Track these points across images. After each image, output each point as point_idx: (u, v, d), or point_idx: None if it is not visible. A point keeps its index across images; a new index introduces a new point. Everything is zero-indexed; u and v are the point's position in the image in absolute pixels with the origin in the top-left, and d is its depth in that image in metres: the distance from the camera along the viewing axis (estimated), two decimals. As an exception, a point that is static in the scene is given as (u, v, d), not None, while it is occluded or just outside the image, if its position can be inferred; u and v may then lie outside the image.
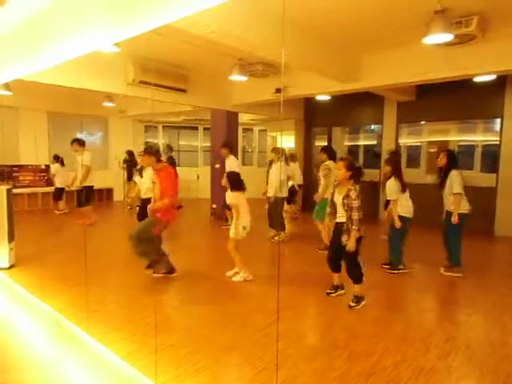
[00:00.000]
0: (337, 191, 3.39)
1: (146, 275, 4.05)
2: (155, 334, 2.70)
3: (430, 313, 3.46)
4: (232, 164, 6.43)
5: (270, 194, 5.65)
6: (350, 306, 3.30)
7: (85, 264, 3.73)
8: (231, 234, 4.00)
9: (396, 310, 3.35)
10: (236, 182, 4.00)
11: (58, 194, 7.86)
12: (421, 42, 3.75)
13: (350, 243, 3.21)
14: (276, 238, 5.82)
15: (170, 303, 3.42)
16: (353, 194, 3.20)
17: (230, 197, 4.00)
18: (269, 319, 3.01)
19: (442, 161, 4.16)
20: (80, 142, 6.66)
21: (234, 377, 2.35)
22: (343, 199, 3.25)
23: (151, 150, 3.99)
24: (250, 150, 11.99)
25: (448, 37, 3.61)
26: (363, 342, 2.70)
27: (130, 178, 8.27)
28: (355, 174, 3.29)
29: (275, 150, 5.88)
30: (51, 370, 2.40)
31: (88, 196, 6.80)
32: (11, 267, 4.27)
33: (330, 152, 5.28)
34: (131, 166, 8.21)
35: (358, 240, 3.23)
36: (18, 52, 3.40)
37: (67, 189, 7.69)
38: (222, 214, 7.67)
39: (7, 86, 6.07)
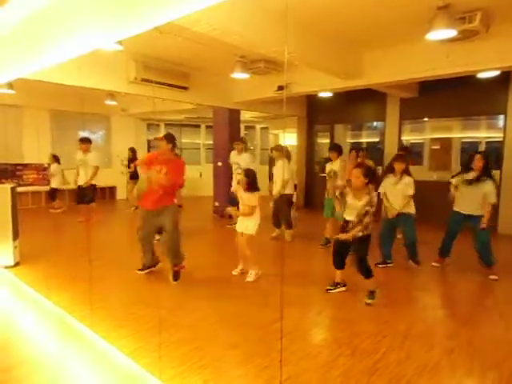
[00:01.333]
0: (353, 196, 3.31)
1: (149, 272, 4.06)
2: (159, 331, 2.71)
3: (433, 310, 3.46)
4: (249, 159, 6.44)
5: (275, 192, 5.62)
6: (367, 304, 3.32)
7: (89, 261, 3.75)
8: (250, 230, 3.90)
9: (399, 307, 3.35)
10: (255, 182, 3.87)
11: (54, 193, 7.84)
12: (423, 39, 3.73)
13: (347, 235, 3.27)
14: (274, 235, 5.79)
15: (173, 300, 3.44)
16: (374, 202, 3.20)
17: (251, 198, 3.86)
18: (272, 316, 3.02)
19: (478, 163, 3.97)
20: (90, 141, 6.82)
21: (238, 373, 2.36)
22: (365, 206, 3.20)
23: (171, 137, 3.91)
24: (252, 148, 11.98)
25: (451, 33, 3.59)
26: (366, 340, 2.70)
27: (132, 176, 8.30)
28: (372, 179, 3.24)
29: (277, 147, 5.86)
30: (56, 367, 2.42)
31: (94, 194, 6.84)
32: (16, 265, 4.30)
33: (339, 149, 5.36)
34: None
35: (367, 238, 3.28)
36: (20, 51, 3.41)
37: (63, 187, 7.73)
38: (224, 211, 7.69)
39: (10, 85, 6.08)
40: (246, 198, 3.87)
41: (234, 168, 6.56)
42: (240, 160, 6.46)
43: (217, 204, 7.95)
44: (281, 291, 3.49)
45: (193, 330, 2.84)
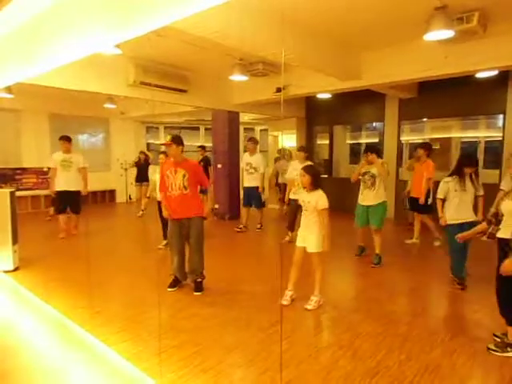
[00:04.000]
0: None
1: (149, 276, 4.05)
2: (159, 335, 2.70)
3: (434, 310, 3.45)
4: (261, 160, 6.37)
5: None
6: None
7: (88, 265, 3.74)
8: (317, 247, 3.24)
9: (399, 309, 3.34)
10: (319, 177, 3.35)
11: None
12: (422, 39, 3.73)
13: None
14: (287, 239, 5.57)
15: (173, 304, 3.43)
16: None
17: (321, 198, 3.24)
18: (272, 319, 3.01)
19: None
20: (71, 140, 5.95)
21: (238, 377, 2.35)
22: None
23: (179, 138, 3.57)
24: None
25: (449, 33, 3.60)
26: (367, 341, 2.69)
27: (141, 179, 8.24)
28: None
29: (302, 148, 5.64)
30: (55, 372, 2.41)
31: (80, 201, 5.96)
32: (15, 269, 4.29)
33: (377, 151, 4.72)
34: (145, 166, 8.21)
35: None
36: (18, 55, 3.41)
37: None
38: (224, 213, 7.69)
39: (9, 89, 6.10)
40: (315, 199, 3.22)
41: (245, 169, 6.47)
42: (252, 160, 6.40)
43: (216, 206, 7.94)
44: (280, 293, 3.48)
45: (193, 333, 2.82)
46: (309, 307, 3.25)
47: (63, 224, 5.90)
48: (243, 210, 6.71)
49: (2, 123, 8.61)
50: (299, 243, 3.37)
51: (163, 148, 4.45)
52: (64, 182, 5.76)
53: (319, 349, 2.64)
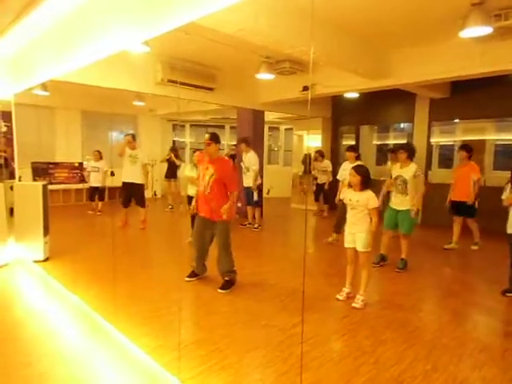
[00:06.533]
0: None
1: (172, 273, 4.11)
2: (179, 331, 2.72)
3: (463, 320, 3.30)
4: (253, 159, 6.47)
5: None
6: None
7: (114, 258, 3.83)
8: (365, 247, 3.29)
9: (425, 316, 3.22)
10: (369, 178, 3.32)
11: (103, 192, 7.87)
12: (455, 37, 3.59)
13: None
14: (330, 240, 5.59)
15: (195, 301, 3.45)
16: None
17: (371, 197, 3.24)
18: (293, 320, 2.97)
19: None
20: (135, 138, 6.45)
21: (257, 377, 2.33)
22: None
23: (217, 137, 3.73)
24: (275, 149, 11.94)
25: (486, 30, 3.43)
26: (391, 348, 2.61)
27: (170, 175, 8.45)
28: None
29: (353, 148, 5.53)
30: (77, 362, 2.47)
31: (144, 195, 6.43)
32: (46, 260, 4.46)
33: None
34: (174, 163, 8.38)
35: None
36: (52, 52, 3.54)
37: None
38: (246, 212, 7.69)
39: (44, 87, 6.33)
40: (364, 198, 3.24)
41: (243, 169, 6.67)
42: (246, 160, 6.54)
43: (239, 205, 7.94)
44: (303, 294, 3.43)
45: (213, 330, 2.83)
46: (356, 306, 3.28)
47: (124, 215, 6.37)
48: (247, 208, 6.91)
49: (37, 119, 8.98)
50: (348, 244, 3.40)
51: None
52: (129, 174, 6.24)
53: (340, 353, 2.58)
